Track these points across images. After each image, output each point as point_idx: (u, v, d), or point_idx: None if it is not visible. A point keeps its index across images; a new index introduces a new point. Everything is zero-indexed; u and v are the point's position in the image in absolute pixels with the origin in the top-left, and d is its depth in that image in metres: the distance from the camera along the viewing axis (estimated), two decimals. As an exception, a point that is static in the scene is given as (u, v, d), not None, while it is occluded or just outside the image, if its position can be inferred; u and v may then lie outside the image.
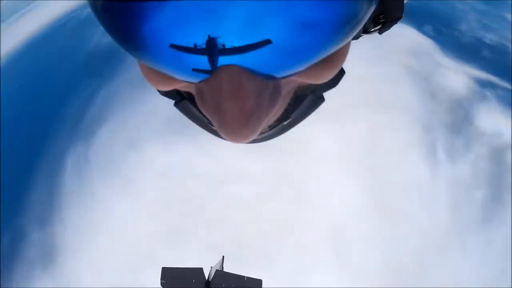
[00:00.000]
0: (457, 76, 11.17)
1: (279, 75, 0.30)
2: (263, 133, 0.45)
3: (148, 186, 9.39)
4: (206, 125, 0.47)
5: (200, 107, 0.35)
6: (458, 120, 10.83)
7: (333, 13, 0.25)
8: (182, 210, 8.70)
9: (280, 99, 0.34)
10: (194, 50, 0.27)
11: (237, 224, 8.78)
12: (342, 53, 0.34)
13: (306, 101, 0.45)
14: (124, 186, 10.08)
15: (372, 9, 0.29)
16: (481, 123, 10.89)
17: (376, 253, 10.33)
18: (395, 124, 9.62)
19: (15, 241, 12.04)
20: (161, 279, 4.81)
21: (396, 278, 11.02)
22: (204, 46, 0.26)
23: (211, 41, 0.26)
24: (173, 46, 0.27)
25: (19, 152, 12.32)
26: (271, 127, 0.45)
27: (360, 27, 0.29)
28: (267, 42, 0.27)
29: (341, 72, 0.43)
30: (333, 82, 0.45)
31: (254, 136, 0.33)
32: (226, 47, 0.26)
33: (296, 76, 0.32)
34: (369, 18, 0.64)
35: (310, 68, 0.31)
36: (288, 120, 0.45)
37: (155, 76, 0.34)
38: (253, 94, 0.29)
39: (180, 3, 0.25)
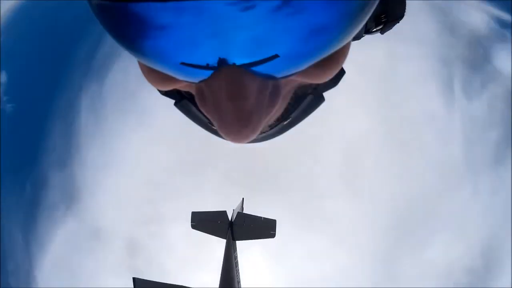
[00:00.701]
0: (478, 14, 10.70)
1: (279, 75, 0.30)
2: (264, 132, 0.45)
3: (164, 118, 9.48)
4: (206, 125, 0.46)
5: (200, 107, 0.35)
6: (476, 58, 10.54)
7: (335, 16, 0.25)
8: (199, 141, 8.80)
9: (280, 99, 0.34)
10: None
11: (254, 152, 8.91)
12: (342, 53, 0.34)
13: (306, 100, 0.44)
14: (139, 119, 10.21)
15: (372, 9, 0.28)
16: (499, 63, 10.58)
17: (389, 182, 10.58)
18: (413, 55, 9.39)
19: (37, 188, 12.66)
20: (191, 222, 5.52)
21: (407, 209, 11.26)
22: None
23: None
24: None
25: (33, 100, 12.55)
26: (271, 126, 0.44)
27: (360, 27, 0.29)
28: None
29: (341, 72, 0.43)
30: (333, 82, 0.45)
31: (254, 136, 0.32)
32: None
33: (296, 76, 0.32)
34: (371, 17, 0.63)
35: (310, 68, 0.30)
36: (288, 120, 0.45)
37: (155, 76, 0.34)
38: (253, 94, 0.29)
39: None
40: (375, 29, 0.70)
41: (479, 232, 10.72)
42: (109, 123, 11.14)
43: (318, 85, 0.41)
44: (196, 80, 0.30)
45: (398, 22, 0.69)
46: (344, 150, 9.68)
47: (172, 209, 11.41)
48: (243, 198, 6.43)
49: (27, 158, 12.71)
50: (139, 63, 0.34)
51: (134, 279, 5.85)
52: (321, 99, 0.45)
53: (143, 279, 5.82)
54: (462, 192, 11.09)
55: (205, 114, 0.35)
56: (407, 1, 0.68)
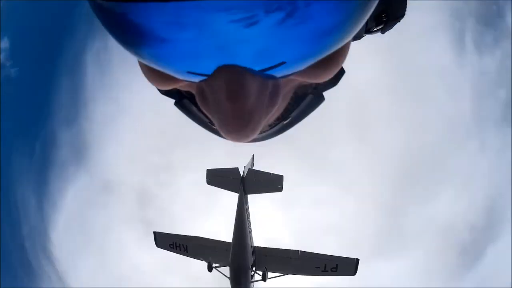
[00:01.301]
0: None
1: (279, 74, 0.29)
2: (264, 132, 0.44)
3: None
4: (207, 124, 0.45)
5: (200, 106, 0.34)
6: (489, 13, 10.15)
7: (339, 19, 0.25)
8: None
9: (280, 98, 0.34)
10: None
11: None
12: (342, 53, 0.33)
13: (306, 100, 0.44)
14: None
15: (373, 7, 0.28)
16: (512, 21, 10.19)
17: (396, 132, 10.61)
18: (426, 7, 9.06)
19: (46, 147, 12.80)
20: (206, 178, 6.07)
21: (413, 160, 11.31)
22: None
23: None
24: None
25: (37, 62, 12.32)
26: (271, 126, 0.44)
27: (361, 26, 0.28)
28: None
29: (341, 71, 0.43)
30: (333, 81, 0.45)
31: (255, 135, 0.33)
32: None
33: (296, 75, 0.31)
34: (371, 17, 0.61)
35: (310, 67, 0.30)
36: (289, 119, 0.45)
37: (155, 75, 0.34)
38: (254, 93, 0.29)
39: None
40: (375, 29, 0.69)
41: (483, 190, 10.90)
42: (115, 76, 10.92)
43: (318, 84, 0.42)
44: (196, 80, 0.30)
45: (399, 21, 0.68)
46: (352, 98, 9.63)
47: (182, 159, 11.56)
48: (253, 155, 6.73)
49: (34, 119, 12.76)
50: (139, 62, 0.33)
51: (154, 233, 6.17)
52: (321, 99, 0.46)
53: (163, 233, 6.22)
54: (468, 147, 11.13)
55: (206, 113, 0.35)
56: (408, 0, 0.68)
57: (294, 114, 0.44)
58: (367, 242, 11.37)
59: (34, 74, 12.54)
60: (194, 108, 0.44)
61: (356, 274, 5.07)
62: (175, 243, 5.62)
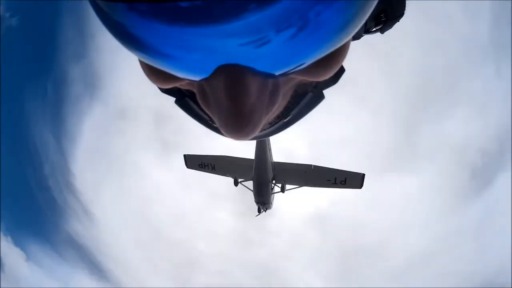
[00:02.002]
0: None
1: (279, 73, 0.29)
2: (264, 130, 0.45)
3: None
4: (207, 123, 0.46)
5: (201, 105, 0.35)
6: None
7: (335, 14, 0.25)
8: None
9: (281, 97, 0.34)
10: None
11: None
12: (342, 51, 0.33)
13: (306, 98, 0.45)
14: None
15: (373, 5, 0.28)
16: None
17: (413, 49, 10.31)
18: None
19: (58, 85, 12.71)
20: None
21: (430, 79, 11.04)
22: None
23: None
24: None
25: (36, 5, 11.61)
26: (271, 124, 0.45)
27: (361, 24, 0.28)
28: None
29: (342, 70, 0.43)
30: (334, 80, 0.45)
31: (255, 134, 0.33)
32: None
33: (296, 74, 0.32)
34: (370, 17, 0.58)
35: (310, 65, 0.30)
36: (289, 117, 0.45)
37: (155, 73, 0.34)
38: (254, 92, 0.29)
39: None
40: (374, 29, 0.70)
41: (497, 116, 10.89)
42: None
43: (318, 83, 0.42)
44: (197, 79, 0.30)
45: (398, 21, 0.69)
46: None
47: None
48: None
49: (42, 61, 12.61)
50: (140, 61, 0.33)
51: (184, 156, 6.71)
52: (321, 97, 0.47)
53: (192, 155, 6.69)
54: (484, 71, 10.90)
55: (206, 112, 0.36)
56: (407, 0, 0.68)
57: (294, 112, 0.45)
58: (380, 157, 12.02)
59: (36, 19, 12.17)
60: (194, 107, 0.44)
61: (363, 187, 5.58)
62: (203, 163, 6.14)
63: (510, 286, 10.38)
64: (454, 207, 12.46)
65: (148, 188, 14.33)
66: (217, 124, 0.33)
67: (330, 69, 0.34)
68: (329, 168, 5.56)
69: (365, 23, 0.62)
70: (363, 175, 5.56)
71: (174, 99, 0.46)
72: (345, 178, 5.54)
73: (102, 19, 0.27)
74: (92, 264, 14.32)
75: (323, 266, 14.60)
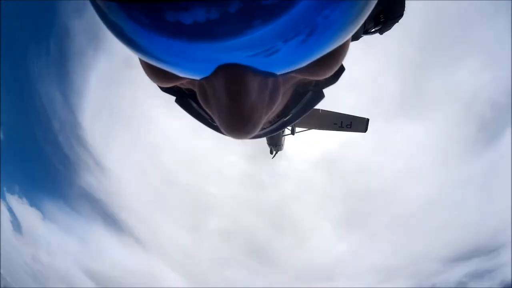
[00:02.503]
0: None
1: (279, 72, 0.30)
2: (264, 128, 0.45)
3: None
4: (207, 121, 0.46)
5: (202, 104, 0.35)
6: None
7: (341, 14, 0.25)
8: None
9: (280, 95, 0.34)
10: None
11: None
12: (342, 50, 0.33)
13: (306, 97, 0.45)
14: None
15: (373, 4, 0.28)
16: None
17: None
18: None
19: (61, 41, 12.42)
20: None
21: (441, 26, 10.73)
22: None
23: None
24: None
25: None
26: (271, 122, 0.44)
27: (361, 23, 0.28)
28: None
29: (341, 69, 0.43)
30: (333, 79, 0.45)
31: (255, 133, 0.33)
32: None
33: (296, 73, 0.32)
34: (370, 17, 0.56)
35: (310, 65, 0.30)
36: (289, 116, 0.45)
37: (156, 72, 0.33)
38: (254, 91, 0.29)
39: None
40: (374, 29, 0.70)
41: (508, 69, 10.69)
42: None
43: (318, 81, 0.42)
44: (197, 78, 0.29)
45: (397, 22, 0.68)
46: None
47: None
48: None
49: (42, 19, 12.32)
50: (140, 59, 0.32)
51: None
52: (321, 96, 0.46)
53: None
54: (497, 21, 10.56)
55: (207, 111, 0.36)
56: (406, 1, 0.68)
57: (294, 110, 0.44)
58: (388, 102, 12.06)
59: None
60: (195, 105, 0.43)
61: (367, 131, 5.89)
62: None
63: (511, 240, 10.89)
64: (460, 157, 12.64)
65: (158, 135, 14.46)
66: (217, 123, 0.32)
67: (330, 68, 0.33)
68: (335, 112, 5.86)
69: (364, 24, 0.60)
70: (368, 120, 5.87)
71: (174, 98, 0.46)
72: (351, 122, 5.87)
73: (101, 19, 0.26)
74: (106, 215, 14.84)
75: (332, 209, 15.28)
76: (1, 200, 13.41)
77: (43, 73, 12.79)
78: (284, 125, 0.47)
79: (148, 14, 0.23)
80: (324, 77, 0.35)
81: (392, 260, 14.50)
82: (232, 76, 0.27)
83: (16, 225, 14.02)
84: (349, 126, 5.93)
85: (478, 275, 12.92)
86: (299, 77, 0.36)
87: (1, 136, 12.73)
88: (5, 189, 13.54)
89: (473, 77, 11.63)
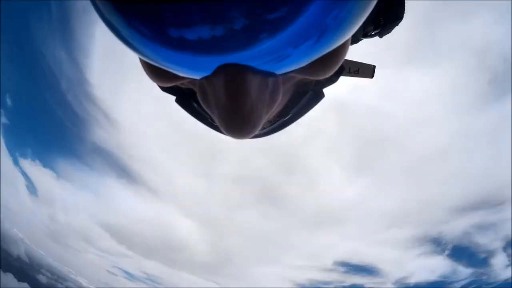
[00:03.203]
0: None
1: (279, 72, 0.29)
2: (264, 128, 0.44)
3: None
4: (207, 121, 0.45)
5: (202, 104, 0.34)
6: None
7: (335, 13, 0.24)
8: None
9: (281, 95, 0.34)
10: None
11: None
12: (342, 50, 0.32)
13: (306, 97, 0.44)
14: None
15: (372, 5, 0.27)
16: None
17: None
18: None
19: (61, 0, 12.02)
20: None
21: None
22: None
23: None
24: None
25: None
26: (271, 122, 0.44)
27: (360, 24, 0.27)
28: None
29: (341, 68, 0.42)
30: (333, 78, 0.45)
31: (255, 132, 0.33)
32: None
33: (296, 72, 0.31)
34: (369, 20, 0.51)
35: (310, 64, 0.29)
36: (289, 116, 0.45)
37: (156, 72, 0.33)
38: (254, 91, 0.29)
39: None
40: (373, 32, 0.68)
41: None
42: None
43: (318, 81, 0.42)
44: (198, 77, 0.29)
45: (397, 25, 0.67)
46: None
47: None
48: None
49: None
50: (140, 59, 0.32)
51: None
52: (321, 95, 0.46)
53: None
54: None
55: (207, 110, 0.35)
56: (406, 2, 0.66)
57: (294, 110, 0.44)
58: (400, 49, 11.82)
59: None
60: (195, 105, 0.43)
61: (374, 77, 6.55)
62: None
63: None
64: (471, 108, 12.68)
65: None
66: (217, 123, 0.32)
67: (330, 68, 0.33)
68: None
69: (364, 27, 0.60)
70: (374, 66, 6.40)
71: (173, 98, 0.46)
72: (358, 69, 6.36)
73: (102, 19, 0.26)
74: (119, 168, 15.38)
75: (342, 154, 15.78)
76: (15, 166, 13.71)
77: (47, 33, 12.68)
78: (284, 125, 0.47)
79: (151, 28, 0.23)
80: (324, 77, 0.35)
81: (400, 206, 15.20)
82: (232, 76, 0.27)
83: (32, 188, 14.56)
84: (356, 72, 6.43)
85: (483, 227, 13.48)
86: (299, 76, 0.36)
87: (8, 103, 12.87)
88: (17, 154, 13.87)
89: (487, 30, 11.39)
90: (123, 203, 16.54)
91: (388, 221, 15.67)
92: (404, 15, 0.63)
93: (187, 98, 0.44)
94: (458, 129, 13.20)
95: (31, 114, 14.11)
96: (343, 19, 0.24)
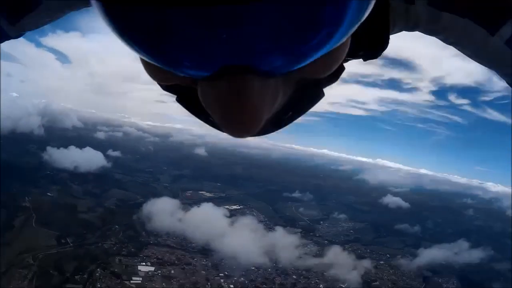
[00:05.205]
0: None
1: (280, 71, 0.29)
2: (264, 127, 0.42)
3: None
4: (208, 119, 0.44)
5: (203, 103, 0.34)
6: None
7: (336, 14, 0.24)
8: None
9: (281, 94, 0.34)
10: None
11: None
12: (341, 50, 0.33)
13: (306, 96, 0.44)
14: None
15: (371, 6, 0.27)
16: None
17: None
18: None
19: None
20: None
21: None
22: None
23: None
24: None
25: None
26: (272, 121, 0.43)
27: (359, 24, 0.28)
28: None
29: (341, 67, 0.43)
30: (333, 77, 0.45)
31: (256, 131, 0.33)
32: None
33: (296, 72, 0.31)
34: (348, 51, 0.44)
35: (310, 63, 0.29)
36: (289, 114, 0.45)
37: (157, 71, 0.33)
38: (255, 92, 0.29)
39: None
40: (361, 53, 0.58)
41: None
42: None
43: (318, 80, 0.41)
44: (199, 77, 0.29)
45: (380, 55, 0.59)
46: None
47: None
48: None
49: None
50: (141, 58, 0.31)
51: None
52: (321, 94, 0.45)
53: None
54: None
55: (207, 109, 0.34)
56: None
57: (294, 109, 0.44)
58: None
59: None
60: (195, 104, 0.41)
61: None
62: None
63: None
64: None
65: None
66: (217, 122, 0.32)
67: (330, 67, 0.34)
68: None
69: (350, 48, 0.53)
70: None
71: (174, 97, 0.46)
72: None
73: (103, 19, 0.25)
74: None
75: None
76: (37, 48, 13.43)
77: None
78: (284, 123, 0.47)
79: (155, 30, 0.23)
80: (324, 76, 0.35)
81: None
82: (234, 76, 0.27)
83: (63, 58, 14.75)
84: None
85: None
86: (300, 75, 0.35)
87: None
88: (36, 36, 12.93)
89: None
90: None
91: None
92: (383, 51, 0.58)
93: (188, 97, 0.44)
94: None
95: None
96: (342, 20, 0.25)
